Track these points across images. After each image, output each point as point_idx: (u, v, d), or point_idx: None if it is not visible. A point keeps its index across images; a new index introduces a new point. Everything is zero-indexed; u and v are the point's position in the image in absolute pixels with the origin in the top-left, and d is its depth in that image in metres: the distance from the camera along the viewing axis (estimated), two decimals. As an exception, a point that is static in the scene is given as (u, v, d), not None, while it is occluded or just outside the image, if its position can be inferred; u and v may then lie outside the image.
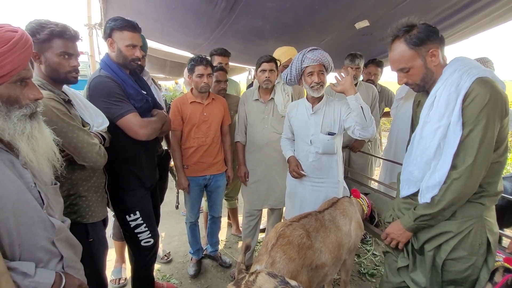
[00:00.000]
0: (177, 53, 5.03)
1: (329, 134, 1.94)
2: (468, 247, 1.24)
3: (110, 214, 2.36)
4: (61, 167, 1.04)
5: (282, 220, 3.07)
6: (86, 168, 1.40)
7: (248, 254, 2.55)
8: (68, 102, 1.38)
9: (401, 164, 2.60)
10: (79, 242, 1.13)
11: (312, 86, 1.87)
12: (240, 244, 3.09)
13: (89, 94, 1.64)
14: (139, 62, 1.77)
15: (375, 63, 3.21)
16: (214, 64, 2.62)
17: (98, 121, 1.50)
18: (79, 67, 1.40)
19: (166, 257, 2.76)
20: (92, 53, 3.99)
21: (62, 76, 1.35)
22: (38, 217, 0.92)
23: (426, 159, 1.24)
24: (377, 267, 2.64)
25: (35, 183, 0.92)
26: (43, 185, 0.96)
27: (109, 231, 2.45)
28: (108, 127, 1.65)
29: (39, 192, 0.93)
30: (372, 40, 3.20)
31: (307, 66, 1.86)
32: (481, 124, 1.10)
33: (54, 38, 1.28)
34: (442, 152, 1.20)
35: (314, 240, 1.46)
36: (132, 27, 1.63)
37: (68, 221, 1.12)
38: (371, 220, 2.24)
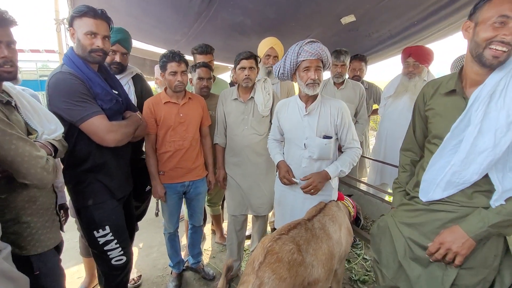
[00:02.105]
0: (157, 51, 4.78)
1: (325, 138, 1.75)
2: (482, 258, 1.12)
3: (75, 226, 2.15)
4: None
5: (268, 227, 2.93)
6: (29, 187, 1.15)
7: (236, 263, 2.38)
8: (7, 104, 1.15)
9: (392, 165, 2.54)
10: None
11: (308, 83, 1.66)
12: (225, 253, 2.91)
13: (48, 94, 1.42)
14: (104, 56, 1.54)
15: (358, 58, 3.11)
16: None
17: (50, 128, 1.27)
18: (14, 59, 1.14)
19: (134, 281, 2.38)
20: (61, 50, 3.69)
21: None
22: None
23: (492, 159, 1.04)
24: (369, 273, 2.53)
25: None
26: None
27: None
28: (69, 132, 1.43)
29: None
30: (359, 36, 3.12)
31: (303, 60, 1.64)
32: None
33: None
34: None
35: (305, 254, 1.30)
36: (93, 12, 1.43)
37: (8, 248, 0.91)
38: (356, 222, 2.13)
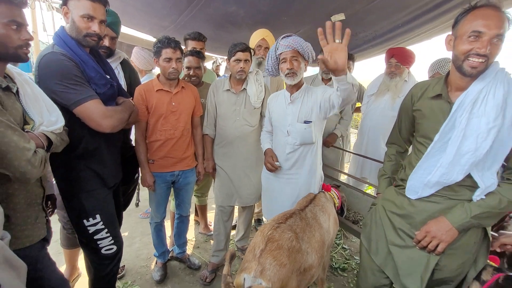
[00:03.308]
0: (135, 35, 4.58)
1: (305, 123, 1.84)
2: (464, 244, 1.24)
3: (54, 217, 2.06)
4: None
5: (253, 217, 2.98)
6: (9, 180, 1.09)
7: (217, 253, 2.41)
8: (6, 89, 1.08)
9: (372, 159, 2.67)
10: None
11: (286, 74, 1.76)
12: (210, 243, 2.92)
13: (38, 75, 1.33)
14: (99, 41, 1.48)
15: (347, 56, 3.21)
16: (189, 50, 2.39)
17: (51, 119, 1.22)
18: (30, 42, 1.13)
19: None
20: (35, 29, 3.43)
21: (10, 52, 1.09)
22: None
23: (474, 160, 1.13)
24: (348, 261, 2.67)
25: None
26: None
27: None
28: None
29: None
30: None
31: (281, 53, 1.75)
32: None
33: None
34: (490, 153, 1.13)
35: (301, 242, 1.36)
36: None
37: (8, 236, 0.87)
38: (341, 213, 2.24)
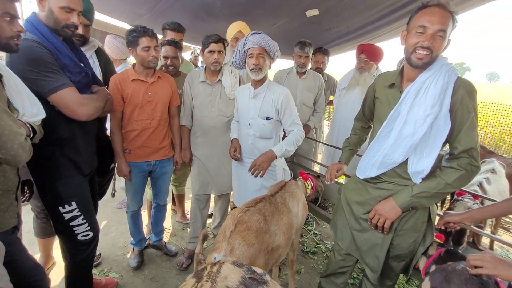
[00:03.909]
0: (111, 23, 4.46)
1: (266, 119, 1.97)
2: (413, 224, 1.40)
3: (27, 207, 2.05)
4: None
5: (229, 205, 3.08)
6: None
7: (194, 239, 2.49)
8: None
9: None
10: None
11: (251, 69, 1.88)
12: (186, 231, 3.00)
13: (10, 61, 1.33)
14: (76, 31, 1.49)
15: (322, 51, 3.33)
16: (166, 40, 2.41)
17: (32, 112, 1.24)
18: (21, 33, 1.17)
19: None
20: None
21: (2, 42, 1.12)
22: None
23: (411, 144, 1.27)
24: (318, 245, 2.84)
25: None
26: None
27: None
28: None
29: None
30: (321, 29, 3.31)
31: (248, 48, 1.86)
32: (475, 114, 1.22)
33: None
34: (429, 139, 1.26)
35: (270, 224, 1.48)
36: None
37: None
38: (314, 201, 2.39)
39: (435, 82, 1.24)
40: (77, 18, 1.42)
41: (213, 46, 2.10)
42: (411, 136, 1.27)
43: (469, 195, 1.91)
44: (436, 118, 1.23)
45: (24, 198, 1.46)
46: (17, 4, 1.15)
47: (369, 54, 2.78)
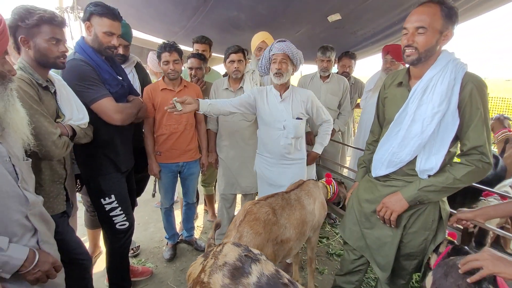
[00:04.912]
0: (154, 41, 4.96)
1: (297, 119, 2.08)
2: (423, 222, 1.39)
3: (80, 203, 2.39)
4: (30, 144, 1.07)
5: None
6: (40, 158, 1.35)
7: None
8: (45, 88, 1.39)
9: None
10: None
11: (274, 73, 1.99)
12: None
13: (63, 77, 1.64)
14: (116, 51, 1.78)
15: (349, 55, 3.35)
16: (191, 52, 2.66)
17: (78, 116, 1.52)
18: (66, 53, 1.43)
19: (132, 251, 2.66)
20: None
21: (51, 61, 1.37)
22: (13, 191, 0.95)
23: (420, 142, 1.28)
24: (343, 248, 2.82)
25: (9, 157, 0.96)
26: (17, 160, 1.00)
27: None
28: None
29: (13, 166, 0.97)
30: (345, 33, 3.34)
31: (273, 54, 1.98)
32: (485, 110, 1.22)
33: (43, 24, 1.30)
34: (437, 137, 1.26)
35: (279, 217, 1.57)
36: (113, 15, 1.64)
37: (42, 198, 1.16)
38: (338, 203, 2.41)
39: (442, 79, 1.24)
40: (116, 40, 1.70)
41: (233, 56, 2.29)
42: (419, 135, 1.27)
43: (497, 195, 1.80)
44: (445, 115, 1.23)
45: (77, 189, 1.77)
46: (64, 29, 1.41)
47: (395, 55, 2.74)
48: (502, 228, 1.65)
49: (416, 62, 1.27)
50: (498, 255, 1.00)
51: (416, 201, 1.34)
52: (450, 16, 1.21)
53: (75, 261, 1.49)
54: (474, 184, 1.75)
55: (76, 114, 1.51)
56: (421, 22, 1.21)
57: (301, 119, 2.10)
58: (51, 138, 1.31)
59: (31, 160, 1.11)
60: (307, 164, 2.34)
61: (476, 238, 1.61)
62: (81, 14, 3.73)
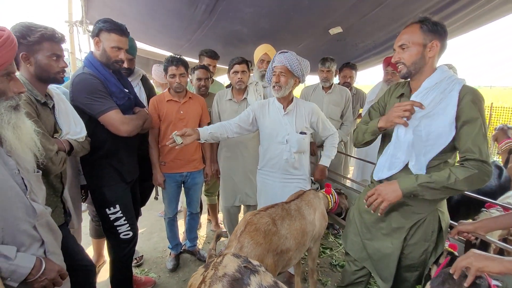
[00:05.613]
0: (160, 53, 5.09)
1: (301, 133, 2.07)
2: (423, 233, 1.41)
3: (85, 213, 2.44)
4: (41, 156, 1.11)
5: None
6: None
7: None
8: (44, 104, 1.42)
9: (372, 163, 2.83)
10: None
11: (273, 86, 1.99)
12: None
13: (71, 91, 1.70)
14: (123, 65, 1.86)
15: (349, 66, 3.40)
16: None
17: (76, 130, 1.55)
18: (65, 68, 1.47)
19: (136, 261, 2.68)
20: (73, 50, 3.99)
21: (51, 76, 1.42)
22: (21, 203, 0.99)
23: (412, 143, 1.35)
24: (347, 259, 2.80)
25: (18, 170, 1.00)
26: (26, 172, 1.04)
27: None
28: (89, 123, 1.68)
29: (22, 179, 1.01)
30: (347, 45, 3.40)
31: (274, 67, 2.00)
32: (483, 120, 1.26)
33: (44, 41, 1.34)
34: (429, 142, 1.31)
35: (280, 227, 1.59)
36: (120, 31, 1.72)
37: (50, 208, 1.20)
38: (339, 214, 2.41)
39: (434, 92, 1.30)
40: (124, 54, 1.78)
41: (236, 67, 2.35)
42: (411, 141, 1.34)
43: (499, 207, 1.80)
44: (441, 124, 1.27)
45: (82, 199, 1.81)
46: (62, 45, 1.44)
47: (395, 66, 2.77)
48: (504, 239, 1.64)
49: (407, 75, 1.35)
50: (482, 253, 1.02)
51: (411, 194, 1.33)
52: (433, 30, 1.29)
53: (79, 268, 1.51)
54: (477, 196, 1.77)
55: (73, 128, 1.55)
56: (402, 40, 1.34)
57: (305, 133, 2.07)
58: (48, 155, 1.31)
59: (41, 172, 1.15)
60: (315, 178, 2.30)
61: (478, 249, 1.59)
62: (90, 27, 3.89)
